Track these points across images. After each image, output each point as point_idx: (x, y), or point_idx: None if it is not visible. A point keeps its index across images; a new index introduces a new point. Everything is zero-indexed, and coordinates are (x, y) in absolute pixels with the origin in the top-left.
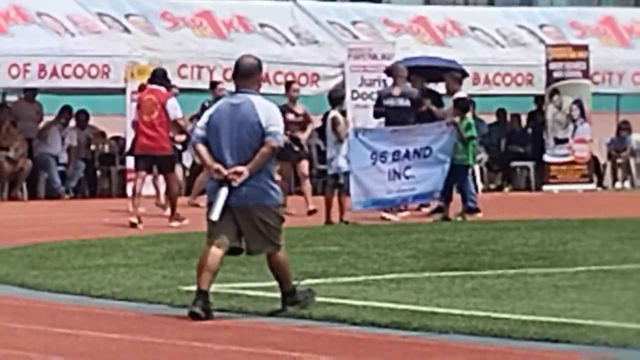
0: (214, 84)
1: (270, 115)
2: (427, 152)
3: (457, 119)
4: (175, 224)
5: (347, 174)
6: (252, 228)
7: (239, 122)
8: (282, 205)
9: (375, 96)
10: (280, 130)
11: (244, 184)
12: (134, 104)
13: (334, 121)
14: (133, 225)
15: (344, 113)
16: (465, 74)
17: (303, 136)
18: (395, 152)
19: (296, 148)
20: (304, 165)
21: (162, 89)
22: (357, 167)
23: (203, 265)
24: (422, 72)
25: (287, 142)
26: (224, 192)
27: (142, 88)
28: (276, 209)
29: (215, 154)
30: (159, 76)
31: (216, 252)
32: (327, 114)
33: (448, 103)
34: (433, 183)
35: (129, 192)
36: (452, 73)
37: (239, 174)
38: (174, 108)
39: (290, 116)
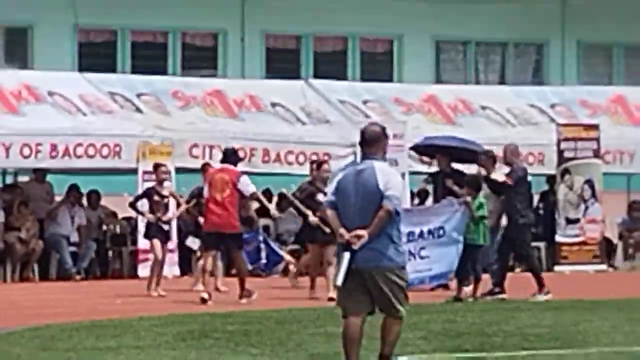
0: (204, 167)
1: (388, 180)
2: (441, 231)
3: (469, 199)
4: (244, 300)
5: None
6: (378, 290)
7: (362, 186)
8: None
9: None
10: (396, 194)
11: (366, 247)
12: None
13: None
14: (204, 301)
15: None
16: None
17: None
18: (409, 233)
19: (327, 230)
20: (331, 250)
21: (233, 167)
22: None
23: (348, 340)
24: (445, 151)
25: (317, 224)
26: (346, 256)
27: (205, 167)
28: (399, 272)
29: (341, 218)
30: (229, 155)
31: (356, 323)
32: None
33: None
34: (448, 263)
35: (140, 272)
36: (488, 153)
37: (359, 237)
38: (247, 184)
39: (321, 197)
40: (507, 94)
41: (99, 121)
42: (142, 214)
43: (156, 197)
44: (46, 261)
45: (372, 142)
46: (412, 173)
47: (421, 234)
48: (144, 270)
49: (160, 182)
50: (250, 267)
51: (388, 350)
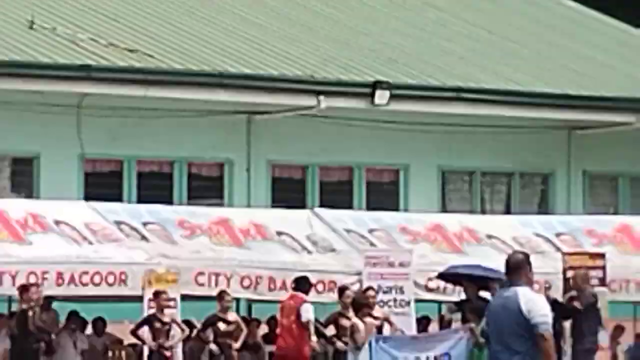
0: (220, 295)
1: (532, 306)
2: (446, 358)
3: (473, 325)
4: None
5: None
6: None
7: (507, 313)
8: None
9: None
10: (544, 319)
11: None
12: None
13: (353, 328)
14: None
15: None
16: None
17: None
18: (416, 359)
19: None
20: None
21: (301, 294)
22: None
23: None
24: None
25: (344, 349)
26: None
27: (222, 295)
28: None
29: (492, 345)
30: (300, 282)
31: None
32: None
33: None
34: None
35: None
36: (502, 281)
37: None
38: (306, 311)
39: (345, 322)
40: (512, 223)
41: (105, 249)
42: (143, 341)
43: (157, 324)
44: None
45: (515, 269)
46: (418, 301)
47: None
48: None
49: (161, 309)
50: None
51: None
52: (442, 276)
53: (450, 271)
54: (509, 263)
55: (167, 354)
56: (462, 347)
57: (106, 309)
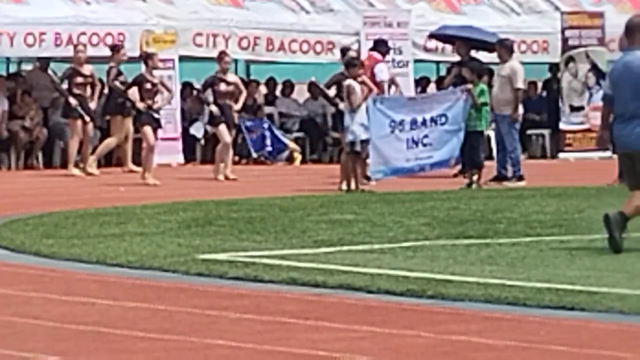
0: (220, 56)
1: None
2: (443, 119)
3: (470, 86)
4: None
5: (363, 142)
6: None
7: (629, 76)
8: None
9: (390, 64)
10: None
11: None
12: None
13: (348, 89)
14: None
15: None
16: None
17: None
18: (412, 121)
19: None
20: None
21: (377, 54)
22: (376, 135)
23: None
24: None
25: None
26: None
27: (222, 56)
28: None
29: (617, 108)
30: (377, 44)
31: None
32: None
33: (497, 72)
34: (449, 150)
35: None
36: (505, 42)
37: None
38: (380, 71)
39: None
40: None
41: (102, 10)
42: (132, 102)
43: (147, 85)
44: (50, 149)
45: (634, 32)
46: (416, 61)
47: (424, 122)
48: None
49: (151, 70)
50: (255, 154)
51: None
52: (433, 36)
53: (441, 32)
54: (628, 26)
55: (156, 115)
56: (459, 108)
57: (103, 70)
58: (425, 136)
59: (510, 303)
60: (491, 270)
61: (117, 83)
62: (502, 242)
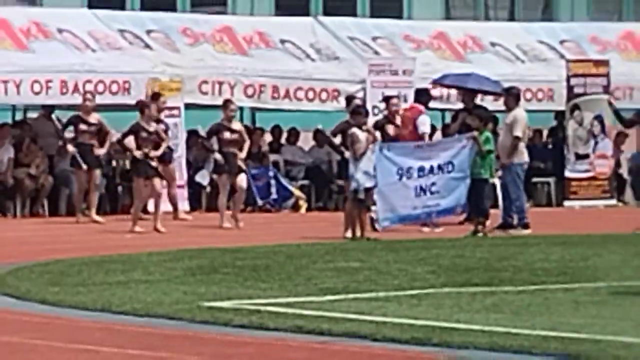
0: (225, 104)
1: None
2: (450, 167)
3: (476, 133)
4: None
5: (367, 189)
6: None
7: None
8: None
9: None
10: None
11: None
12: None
13: (352, 138)
14: None
15: (382, 127)
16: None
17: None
18: (420, 168)
19: None
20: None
21: (419, 105)
22: (383, 183)
23: None
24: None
25: None
26: None
27: (227, 104)
28: None
29: None
30: (419, 94)
31: None
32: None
33: (503, 120)
34: (456, 198)
35: (150, 207)
36: (512, 90)
37: None
38: (423, 124)
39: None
40: (516, 30)
41: (108, 58)
42: (130, 150)
43: (143, 134)
44: (55, 197)
45: None
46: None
47: (431, 169)
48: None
49: (147, 119)
50: (260, 202)
51: None
52: (437, 83)
53: (442, 81)
54: None
55: (153, 163)
56: (465, 155)
57: (110, 118)
58: (433, 184)
59: (515, 351)
60: (496, 318)
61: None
62: (507, 289)
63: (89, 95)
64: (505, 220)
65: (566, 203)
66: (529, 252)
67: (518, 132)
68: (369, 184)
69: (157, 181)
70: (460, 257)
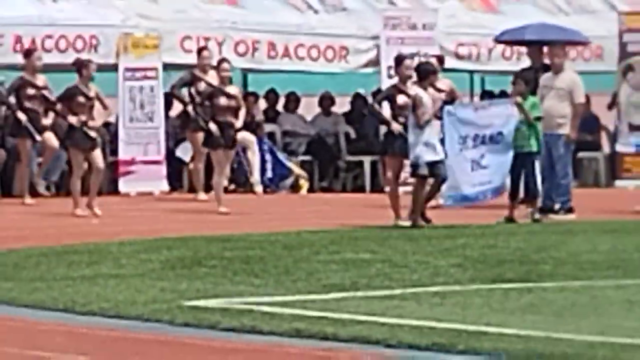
0: (219, 64)
1: None
2: (499, 137)
3: (519, 99)
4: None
5: (430, 164)
6: None
7: None
8: None
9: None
10: None
11: None
12: (128, 83)
13: (415, 101)
14: None
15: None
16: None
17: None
18: (474, 137)
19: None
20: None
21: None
22: (450, 153)
23: None
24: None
25: (400, 132)
26: None
27: (220, 64)
28: None
29: None
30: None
31: None
32: (356, 95)
33: (547, 84)
34: (503, 174)
35: (121, 187)
36: (557, 44)
37: None
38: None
39: (401, 99)
40: None
41: (72, 9)
42: (64, 116)
43: (80, 98)
44: (9, 175)
45: None
46: (445, 70)
47: (483, 139)
48: (126, 185)
49: (86, 80)
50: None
51: None
52: (499, 40)
53: (517, 38)
54: None
55: (92, 134)
56: (512, 125)
57: (74, 79)
58: (482, 156)
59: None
60: (534, 320)
61: None
62: (546, 286)
63: (37, 54)
64: (544, 203)
65: (617, 183)
66: (573, 242)
67: (582, 98)
68: (430, 158)
69: (97, 154)
70: (491, 247)
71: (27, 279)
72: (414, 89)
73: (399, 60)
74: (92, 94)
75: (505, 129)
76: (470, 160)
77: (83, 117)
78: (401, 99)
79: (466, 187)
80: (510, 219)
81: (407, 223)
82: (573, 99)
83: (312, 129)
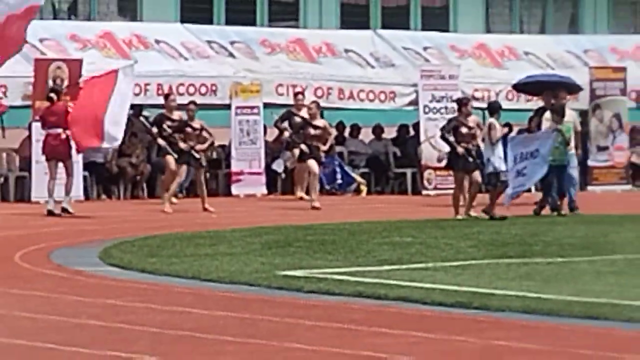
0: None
1: None
2: (536, 153)
3: (560, 126)
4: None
5: (504, 172)
6: None
7: None
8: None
9: (443, 110)
10: None
11: None
12: (238, 118)
13: (490, 127)
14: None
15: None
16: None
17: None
18: (520, 154)
19: (470, 159)
20: (477, 175)
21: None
22: (510, 166)
23: None
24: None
25: (463, 153)
26: None
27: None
28: None
29: None
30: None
31: None
32: (401, 126)
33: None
34: (534, 181)
35: (233, 191)
36: (561, 89)
37: None
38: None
39: (464, 130)
40: (547, 41)
41: (198, 65)
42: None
43: (188, 129)
44: (153, 182)
45: None
46: None
47: (525, 156)
48: (236, 189)
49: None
50: (327, 187)
51: None
52: (516, 86)
53: (530, 80)
54: None
55: (197, 156)
56: (548, 145)
57: (199, 116)
58: (525, 167)
59: (545, 313)
60: (528, 285)
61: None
62: (538, 261)
63: (172, 96)
64: (570, 205)
65: (589, 188)
66: (557, 230)
67: (579, 127)
68: (504, 167)
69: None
70: (497, 233)
71: (166, 256)
72: (490, 119)
73: (465, 101)
74: (197, 125)
75: (542, 148)
76: (516, 170)
77: (191, 143)
78: (464, 130)
79: (511, 189)
80: (558, 212)
81: (476, 214)
82: (575, 128)
83: (369, 150)
